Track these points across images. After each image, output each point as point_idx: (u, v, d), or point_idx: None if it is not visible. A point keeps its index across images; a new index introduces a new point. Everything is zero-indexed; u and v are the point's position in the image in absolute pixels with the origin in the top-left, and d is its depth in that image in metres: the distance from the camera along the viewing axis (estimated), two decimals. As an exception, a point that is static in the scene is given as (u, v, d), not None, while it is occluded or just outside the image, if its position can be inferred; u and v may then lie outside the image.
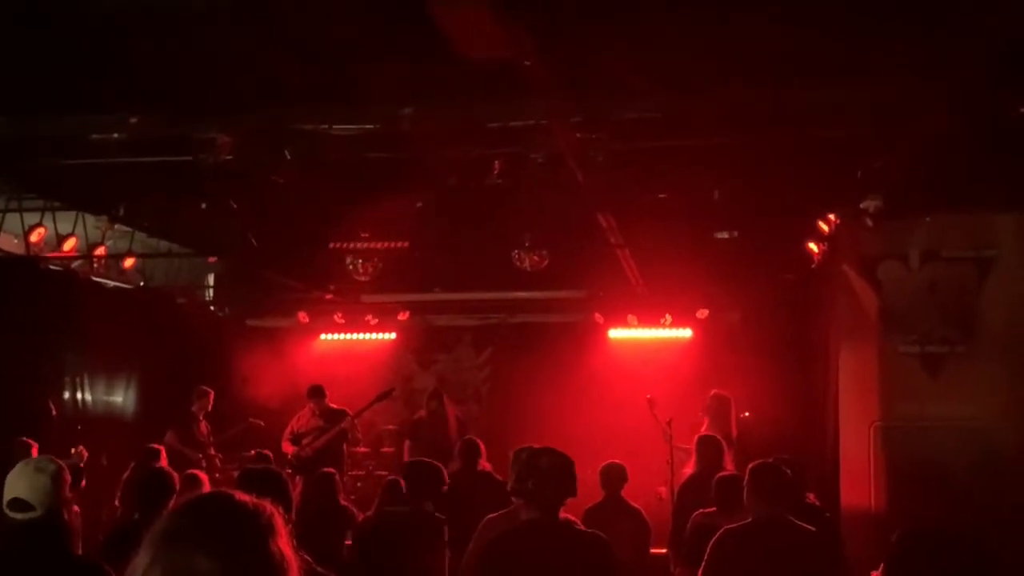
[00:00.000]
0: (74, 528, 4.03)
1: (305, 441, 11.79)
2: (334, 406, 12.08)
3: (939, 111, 7.13)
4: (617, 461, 8.94)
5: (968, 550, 2.98)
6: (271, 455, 10.94)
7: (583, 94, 7.24)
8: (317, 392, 12.03)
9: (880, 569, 3.03)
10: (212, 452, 12.07)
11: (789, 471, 5.71)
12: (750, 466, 5.68)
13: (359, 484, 13.30)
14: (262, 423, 12.65)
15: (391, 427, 14.81)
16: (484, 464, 9.30)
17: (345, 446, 12.25)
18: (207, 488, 7.20)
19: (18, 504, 3.82)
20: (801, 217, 10.07)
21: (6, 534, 3.85)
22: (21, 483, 3.86)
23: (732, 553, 5.42)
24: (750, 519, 5.50)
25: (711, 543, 5.52)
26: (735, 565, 5.39)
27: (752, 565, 5.34)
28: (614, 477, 8.77)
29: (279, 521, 2.06)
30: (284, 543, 2.04)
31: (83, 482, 8.41)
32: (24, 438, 8.89)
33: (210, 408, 12.07)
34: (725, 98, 7.35)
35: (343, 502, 9.29)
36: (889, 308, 9.21)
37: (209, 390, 12.13)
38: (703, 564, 5.53)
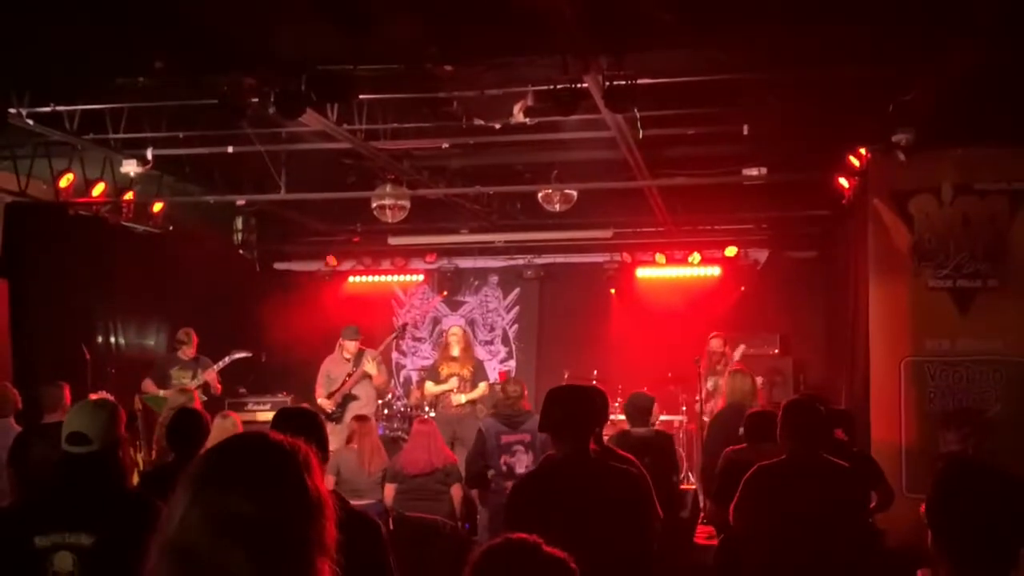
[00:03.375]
0: (127, 465, 4.18)
1: (336, 389, 11.77)
2: (363, 348, 12.09)
3: (969, 44, 7.01)
4: (642, 391, 8.88)
5: (1014, 482, 2.96)
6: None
7: (611, 30, 7.16)
8: (352, 332, 12.01)
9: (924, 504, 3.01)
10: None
11: (822, 407, 5.71)
12: (783, 403, 5.67)
13: (391, 424, 13.41)
14: (249, 353, 12.45)
15: (420, 368, 14.92)
16: (525, 404, 9.33)
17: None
18: (240, 429, 7.27)
19: (76, 438, 3.97)
20: (831, 152, 9.97)
21: (64, 466, 4.00)
22: (81, 418, 4.02)
23: (766, 490, 5.43)
24: (784, 456, 5.50)
25: (744, 479, 5.53)
26: (768, 502, 5.40)
27: (786, 502, 5.35)
28: (639, 408, 8.74)
29: (314, 459, 2.08)
30: (320, 480, 2.06)
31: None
32: (58, 381, 9.00)
33: (194, 351, 11.73)
34: (754, 34, 7.25)
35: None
36: (920, 242, 9.14)
37: (191, 332, 11.78)
38: (736, 500, 5.54)
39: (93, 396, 9.28)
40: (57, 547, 3.78)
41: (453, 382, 11.41)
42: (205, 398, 11.17)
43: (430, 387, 11.68)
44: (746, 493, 5.50)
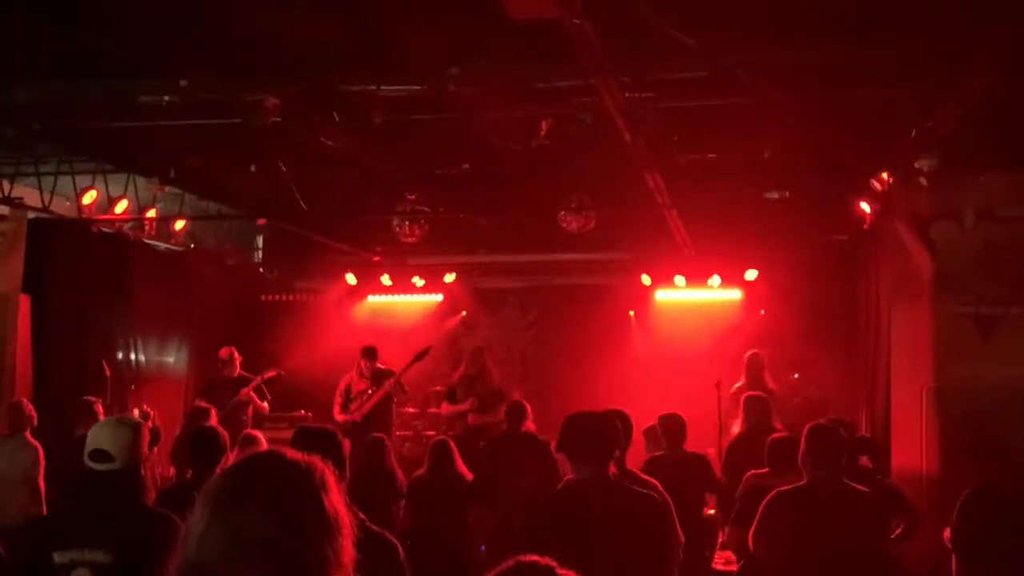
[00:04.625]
0: (150, 483, 4.20)
1: (354, 406, 11.80)
2: (382, 367, 12.10)
3: (992, 68, 6.98)
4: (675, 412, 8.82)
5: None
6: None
7: (631, 53, 7.17)
8: (370, 352, 12.02)
9: (950, 528, 3.00)
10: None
11: (844, 434, 5.67)
12: (805, 428, 5.63)
13: (407, 444, 13.39)
14: (281, 372, 12.48)
15: (438, 388, 14.89)
16: (529, 425, 9.31)
17: (393, 407, 12.29)
18: (264, 447, 7.27)
19: (99, 455, 4.00)
20: (853, 176, 9.93)
21: (86, 483, 4.04)
22: (104, 436, 4.06)
23: (784, 515, 5.39)
24: (804, 481, 5.46)
25: (763, 504, 5.49)
26: (787, 527, 5.36)
27: (804, 527, 5.31)
28: (671, 430, 8.68)
29: (331, 478, 2.08)
30: (337, 499, 2.05)
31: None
32: (87, 397, 9.05)
33: (238, 370, 11.81)
34: (775, 56, 7.24)
35: (395, 467, 9.30)
36: (942, 268, 9.09)
37: (233, 351, 11.81)
38: (755, 525, 5.50)
39: (135, 409, 9.33)
40: (75, 563, 3.79)
41: (471, 403, 11.39)
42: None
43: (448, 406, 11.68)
44: (765, 518, 5.46)
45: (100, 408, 8.96)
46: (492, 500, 8.60)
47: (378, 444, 9.27)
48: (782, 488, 5.53)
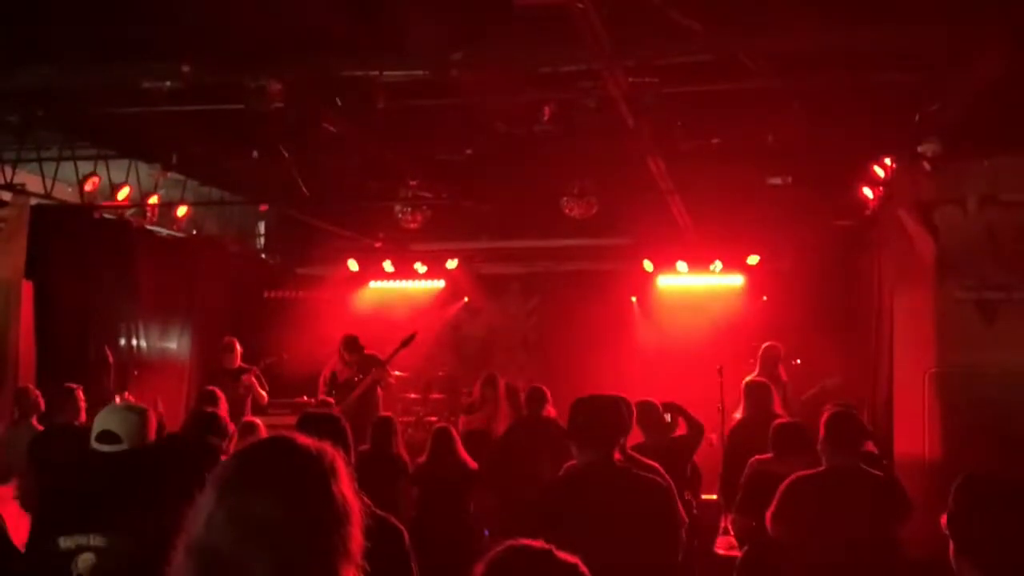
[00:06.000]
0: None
1: (338, 397, 11.57)
2: (368, 353, 11.88)
3: (995, 53, 6.96)
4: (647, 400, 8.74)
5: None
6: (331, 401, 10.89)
7: (635, 38, 7.15)
8: (351, 343, 11.72)
9: (945, 516, 3.00)
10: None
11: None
12: (826, 414, 5.65)
13: (409, 430, 13.37)
14: (280, 357, 12.42)
15: (441, 374, 14.91)
16: (550, 410, 9.26)
17: (379, 392, 12.02)
18: (264, 435, 7.25)
19: (107, 436, 4.04)
20: (856, 162, 9.92)
21: (91, 465, 4.09)
22: (112, 418, 4.11)
23: (805, 499, 5.42)
24: (823, 466, 5.49)
25: (782, 489, 5.50)
26: (807, 511, 5.39)
27: (824, 511, 5.34)
28: (648, 417, 8.63)
29: (340, 464, 2.07)
30: (346, 486, 2.04)
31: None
32: (70, 384, 8.95)
33: (238, 360, 11.68)
34: (778, 41, 7.23)
35: (402, 450, 9.20)
36: (945, 254, 9.08)
37: (235, 341, 11.73)
38: (774, 509, 5.50)
39: (116, 397, 9.29)
40: (81, 548, 3.79)
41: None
42: None
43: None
44: (785, 501, 5.48)
45: (81, 395, 8.88)
46: (498, 485, 8.58)
47: (386, 424, 9.13)
48: (801, 473, 5.55)
